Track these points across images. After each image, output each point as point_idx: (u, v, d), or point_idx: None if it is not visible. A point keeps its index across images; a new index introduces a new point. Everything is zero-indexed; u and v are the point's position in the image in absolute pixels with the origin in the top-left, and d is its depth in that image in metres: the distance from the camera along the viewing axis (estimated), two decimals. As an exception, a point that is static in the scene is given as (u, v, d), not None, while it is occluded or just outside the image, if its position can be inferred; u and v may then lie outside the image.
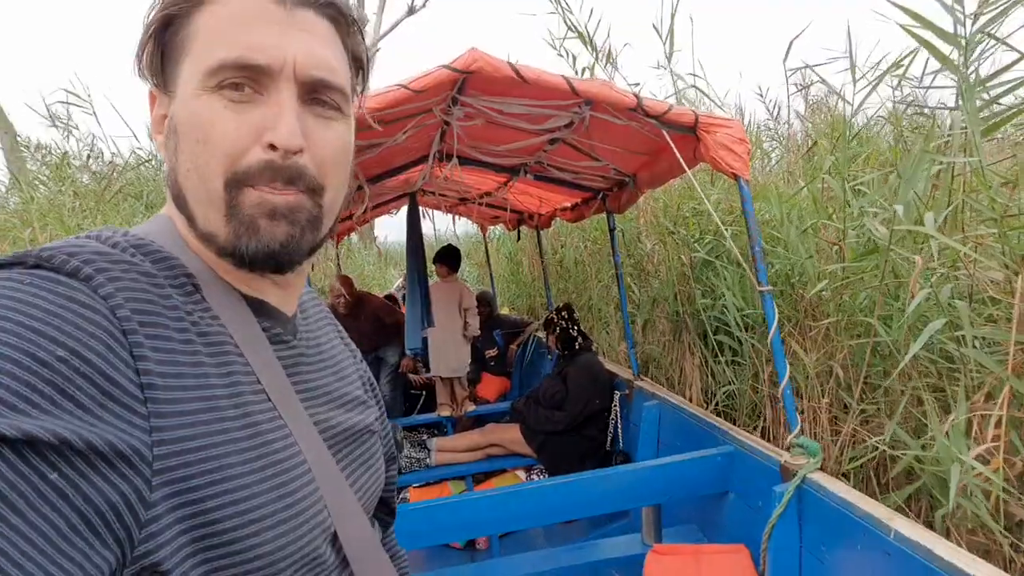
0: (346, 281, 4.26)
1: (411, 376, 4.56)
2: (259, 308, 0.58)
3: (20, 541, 0.36)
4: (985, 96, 1.92)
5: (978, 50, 1.91)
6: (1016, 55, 1.85)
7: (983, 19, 1.85)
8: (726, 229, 2.81)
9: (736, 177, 1.89)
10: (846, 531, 1.60)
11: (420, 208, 3.60)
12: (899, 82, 2.56)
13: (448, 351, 3.77)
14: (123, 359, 0.44)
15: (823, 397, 2.38)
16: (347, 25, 0.58)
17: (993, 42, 1.92)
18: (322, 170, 0.54)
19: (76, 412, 0.40)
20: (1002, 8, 1.82)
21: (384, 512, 0.78)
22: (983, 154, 1.86)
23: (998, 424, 1.64)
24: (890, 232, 1.97)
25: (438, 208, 4.52)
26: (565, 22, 3.40)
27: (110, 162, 4.65)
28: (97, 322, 0.44)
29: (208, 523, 0.46)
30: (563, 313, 3.35)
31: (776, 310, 1.94)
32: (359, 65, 0.60)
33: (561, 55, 3.68)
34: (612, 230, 3.20)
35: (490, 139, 2.40)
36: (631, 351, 3.24)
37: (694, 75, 3.55)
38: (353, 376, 0.71)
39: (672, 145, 1.91)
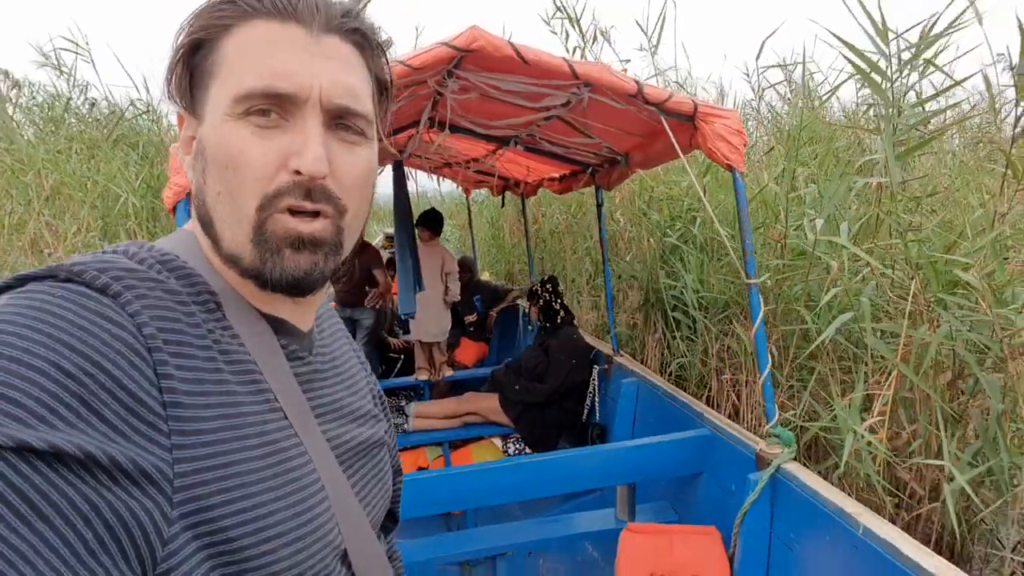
0: None
1: (390, 340, 4.56)
2: (278, 326, 0.59)
3: (46, 551, 0.36)
4: (911, 120, 2.22)
5: (908, 76, 2.21)
6: (933, 88, 2.33)
7: (907, 54, 2.15)
8: (694, 215, 3.25)
9: (731, 168, 1.88)
10: (816, 522, 1.66)
11: (404, 168, 3.54)
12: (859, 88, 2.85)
13: (429, 316, 3.76)
14: (147, 377, 0.45)
15: (759, 369, 2.64)
16: (371, 49, 0.58)
17: (919, 72, 2.23)
18: (345, 192, 0.55)
19: (100, 427, 0.41)
20: (922, 49, 2.13)
21: (388, 520, 0.80)
22: (896, 175, 2.14)
23: (893, 402, 2.05)
24: (814, 239, 2.27)
25: (422, 169, 4.44)
26: (554, 2, 3.45)
27: (111, 112, 4.56)
28: (124, 339, 0.45)
29: (225, 541, 0.47)
30: (547, 286, 3.36)
31: (762, 304, 1.96)
32: (383, 87, 0.61)
33: (554, 32, 3.70)
34: (600, 205, 3.18)
35: (484, 112, 2.34)
36: (612, 327, 3.27)
37: (676, 67, 3.75)
38: (364, 389, 0.72)
39: (670, 132, 1.88)
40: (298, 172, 0.52)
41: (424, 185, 5.15)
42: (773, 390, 2.00)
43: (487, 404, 3.34)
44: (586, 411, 3.28)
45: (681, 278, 3.23)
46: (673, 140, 1.89)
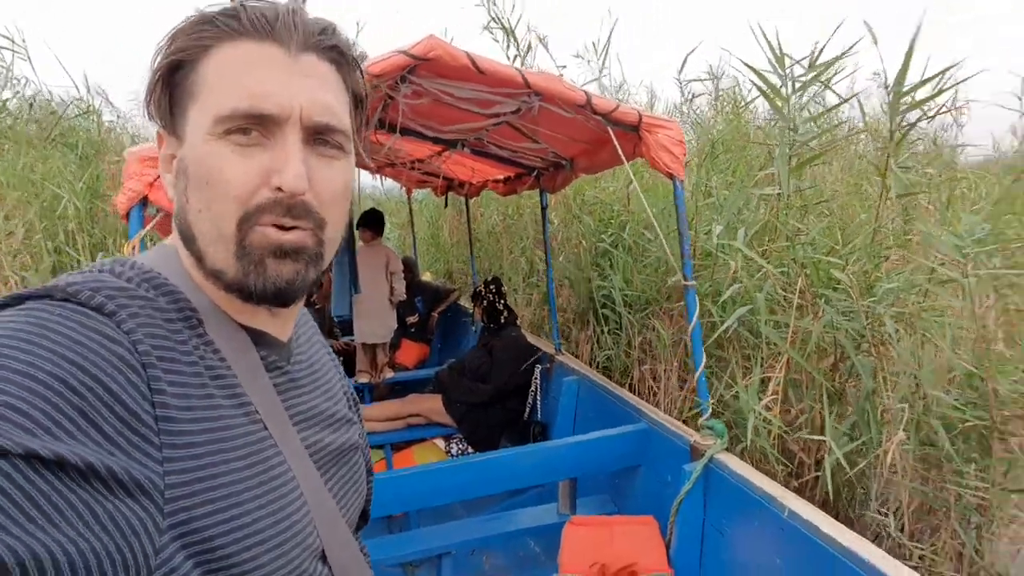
0: None
1: (330, 342, 4.49)
2: (258, 338, 0.61)
3: (53, 546, 0.37)
4: (806, 137, 2.56)
5: (805, 95, 2.55)
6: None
7: (808, 76, 2.45)
8: (623, 221, 3.59)
9: (672, 177, 1.99)
10: (746, 507, 1.79)
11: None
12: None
13: (374, 317, 3.74)
14: (142, 392, 0.47)
15: (675, 360, 3.10)
16: (347, 65, 0.60)
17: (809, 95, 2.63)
18: (324, 207, 0.57)
19: (98, 439, 0.43)
20: (814, 76, 2.46)
21: (360, 519, 0.82)
22: (786, 187, 2.51)
23: (785, 384, 2.36)
24: (716, 242, 2.63)
25: (366, 168, 4.40)
26: (489, 13, 3.62)
27: (52, 112, 4.45)
28: (121, 355, 0.47)
29: (211, 549, 0.49)
30: (491, 287, 3.41)
31: (698, 304, 2.08)
32: (359, 100, 0.63)
33: (496, 40, 3.89)
34: (544, 208, 3.28)
35: (434, 116, 2.37)
36: (555, 327, 3.36)
37: (609, 73, 4.06)
38: (339, 394, 0.74)
39: (616, 141, 1.97)
40: (279, 189, 0.53)
41: (364, 182, 5.12)
42: (707, 385, 2.13)
43: (430, 405, 3.36)
44: (528, 409, 3.35)
45: (610, 278, 3.49)
46: (619, 148, 1.98)
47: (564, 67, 4.18)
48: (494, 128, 2.51)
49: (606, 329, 3.61)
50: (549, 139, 2.48)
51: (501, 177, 3.55)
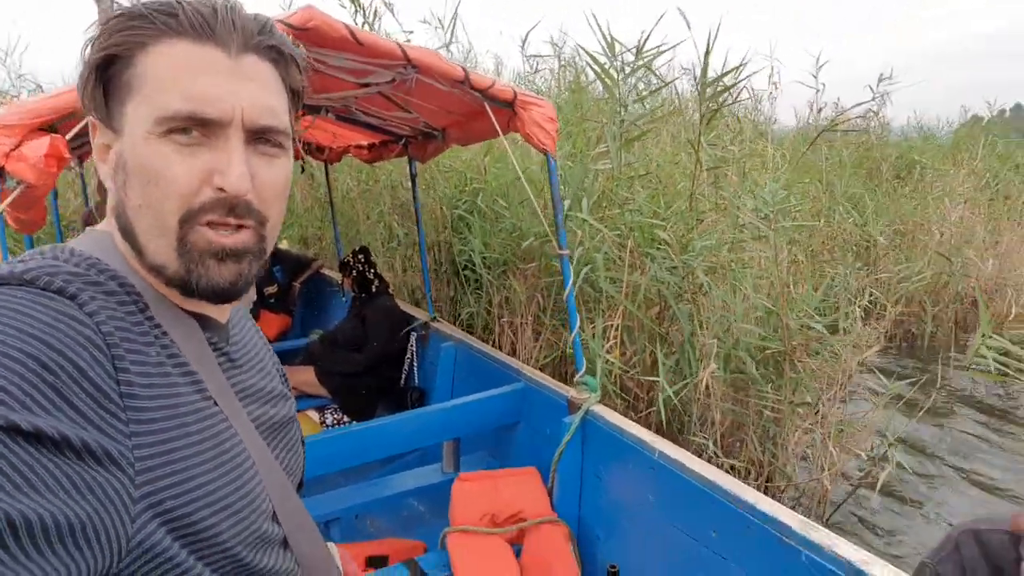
0: None
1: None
2: (202, 322, 0.63)
3: (42, 511, 0.40)
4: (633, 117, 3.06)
5: (631, 80, 3.02)
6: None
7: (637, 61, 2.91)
8: (477, 189, 3.85)
9: (545, 152, 2.11)
10: (620, 453, 2.01)
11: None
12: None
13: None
14: (107, 371, 0.50)
15: (529, 314, 3.44)
16: (286, 63, 0.62)
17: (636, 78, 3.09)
18: (266, 204, 0.59)
19: (71, 414, 0.45)
20: (641, 65, 2.91)
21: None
22: (617, 162, 2.97)
23: (621, 330, 2.84)
24: (565, 214, 2.85)
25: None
26: None
27: None
28: (87, 336, 0.49)
29: (180, 517, 0.52)
30: (360, 256, 3.36)
31: (572, 271, 2.24)
32: (296, 96, 0.64)
33: (343, 6, 3.86)
34: (414, 176, 3.27)
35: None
36: (428, 294, 3.41)
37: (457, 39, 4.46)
38: (273, 371, 0.77)
39: (492, 115, 2.03)
40: (222, 189, 0.55)
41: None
42: (581, 344, 2.31)
43: (303, 377, 3.28)
44: (404, 376, 3.40)
45: (469, 242, 3.69)
46: (495, 123, 2.04)
47: (412, 32, 4.26)
48: (364, 96, 2.46)
49: (468, 289, 3.81)
50: (422, 110, 2.48)
51: (365, 143, 3.47)
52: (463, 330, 3.41)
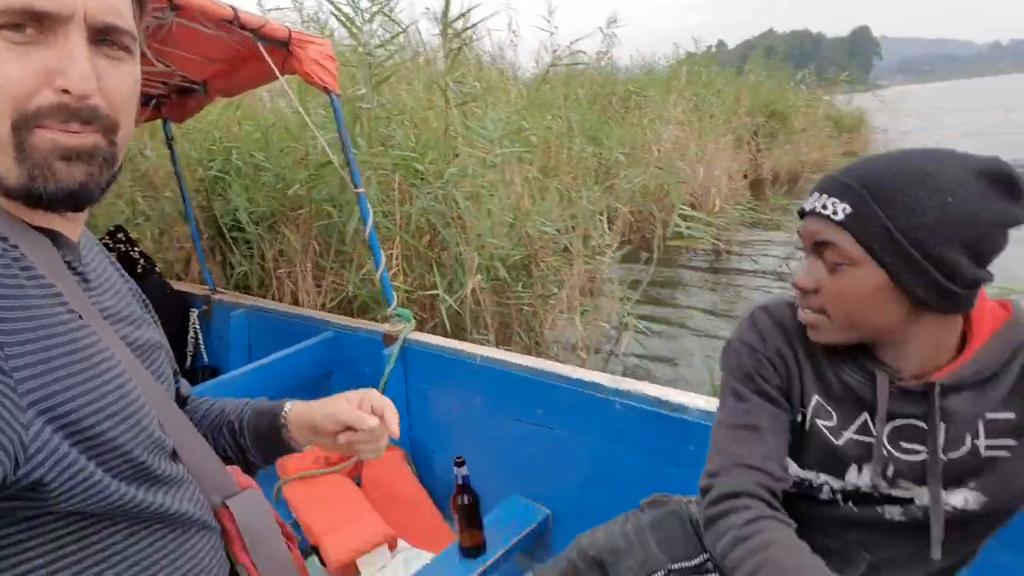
0: None
1: None
2: (54, 239, 0.60)
3: None
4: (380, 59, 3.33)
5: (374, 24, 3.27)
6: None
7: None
8: (230, 147, 3.80)
9: (328, 91, 2.04)
10: (443, 369, 2.11)
11: None
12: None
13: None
14: None
15: (307, 261, 3.46)
16: None
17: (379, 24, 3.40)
18: (115, 109, 0.55)
19: None
20: (378, 10, 3.20)
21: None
22: (372, 102, 3.15)
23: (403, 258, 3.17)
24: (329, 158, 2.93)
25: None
26: None
27: None
28: None
29: (72, 422, 0.51)
30: (119, 235, 3.12)
31: (371, 209, 2.22)
32: (141, 3, 0.61)
33: None
34: (170, 140, 2.99)
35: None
36: (204, 268, 3.29)
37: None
38: (129, 296, 0.72)
39: (267, 57, 1.94)
40: (65, 91, 0.50)
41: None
42: (389, 279, 2.35)
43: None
44: (190, 357, 3.23)
45: (231, 202, 3.63)
46: (271, 63, 1.95)
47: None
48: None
49: (238, 250, 3.79)
50: (178, 60, 2.26)
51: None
52: (242, 292, 3.36)
